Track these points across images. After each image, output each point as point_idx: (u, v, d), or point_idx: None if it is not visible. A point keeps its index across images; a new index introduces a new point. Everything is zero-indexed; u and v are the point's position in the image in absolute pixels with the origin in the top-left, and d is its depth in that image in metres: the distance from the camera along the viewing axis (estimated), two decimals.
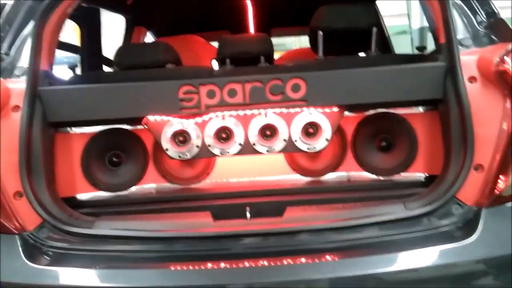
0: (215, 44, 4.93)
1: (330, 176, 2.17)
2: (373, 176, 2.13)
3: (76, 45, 3.53)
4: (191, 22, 4.26)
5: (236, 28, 4.53)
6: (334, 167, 2.17)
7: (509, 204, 1.67)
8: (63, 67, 2.52)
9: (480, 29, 1.90)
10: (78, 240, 1.71)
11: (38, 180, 1.79)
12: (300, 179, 2.19)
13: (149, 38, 4.38)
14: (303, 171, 2.19)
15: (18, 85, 1.85)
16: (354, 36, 2.37)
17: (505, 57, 1.68)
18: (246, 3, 3.99)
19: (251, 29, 4.60)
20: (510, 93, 1.68)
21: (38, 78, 1.88)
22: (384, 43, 3.42)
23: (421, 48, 2.46)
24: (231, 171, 2.20)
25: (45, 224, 1.73)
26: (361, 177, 2.15)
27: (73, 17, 2.39)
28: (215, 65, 4.05)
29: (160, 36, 4.46)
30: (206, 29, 4.57)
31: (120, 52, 2.56)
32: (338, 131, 2.12)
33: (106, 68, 4.02)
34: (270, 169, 2.19)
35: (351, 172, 2.17)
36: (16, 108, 1.80)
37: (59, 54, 2.33)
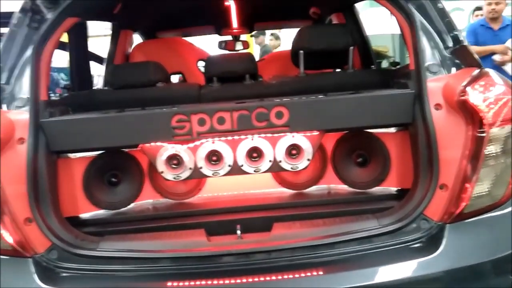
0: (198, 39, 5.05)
1: (312, 190, 2.37)
2: (351, 189, 2.33)
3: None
4: (176, 20, 4.37)
5: (220, 23, 4.65)
6: (316, 180, 2.37)
7: (469, 220, 1.88)
8: None
9: (447, 54, 2.07)
10: (86, 261, 1.89)
11: (45, 205, 1.94)
12: (285, 192, 2.38)
13: (135, 39, 4.48)
14: (288, 185, 2.38)
15: (21, 116, 1.98)
16: (333, 54, 2.54)
17: (467, 88, 1.87)
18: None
19: (235, 24, 4.72)
20: (471, 121, 1.88)
21: (39, 110, 2.02)
22: (367, 56, 3.58)
23: (395, 63, 2.64)
24: (221, 186, 2.38)
25: (54, 246, 1.90)
26: (340, 190, 2.35)
27: None
28: (200, 65, 4.20)
29: (148, 37, 4.56)
30: (191, 25, 4.68)
31: (112, 71, 2.70)
32: (319, 147, 2.31)
33: (94, 64, 4.14)
34: (257, 184, 2.38)
35: (332, 184, 2.37)
36: (21, 140, 1.94)
37: None
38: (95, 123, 2.06)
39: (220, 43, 5.39)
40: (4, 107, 2.05)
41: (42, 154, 1.98)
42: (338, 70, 2.74)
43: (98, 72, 5.12)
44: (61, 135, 2.03)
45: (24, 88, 2.06)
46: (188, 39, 4.80)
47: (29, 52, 2.09)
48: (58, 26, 2.14)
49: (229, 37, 4.95)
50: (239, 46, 5.22)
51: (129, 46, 4.23)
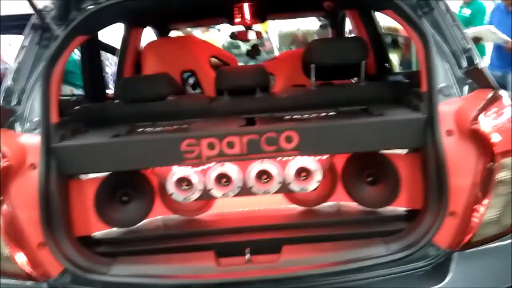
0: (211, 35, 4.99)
1: (321, 208, 2.37)
2: (361, 208, 2.32)
3: None
4: (188, 12, 4.33)
5: (233, 14, 4.60)
6: (325, 198, 2.37)
7: (477, 249, 1.87)
8: None
9: (461, 75, 2.02)
10: (98, 285, 1.93)
11: (57, 229, 1.97)
12: (294, 209, 2.39)
13: (147, 34, 4.45)
14: (297, 202, 2.39)
15: (32, 140, 1.99)
16: (345, 66, 2.52)
17: (479, 117, 1.83)
18: None
19: (247, 15, 4.67)
20: (482, 149, 1.85)
21: (50, 134, 2.03)
22: (382, 57, 3.52)
23: (410, 76, 2.60)
24: (231, 203, 2.40)
25: (67, 270, 1.93)
26: (350, 208, 2.34)
27: None
28: (213, 61, 4.18)
29: (160, 31, 4.53)
30: (203, 17, 4.64)
31: (123, 85, 2.70)
32: (329, 166, 2.30)
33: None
34: (267, 201, 2.39)
35: (341, 202, 2.37)
36: (33, 166, 1.96)
37: None
38: (106, 147, 2.08)
39: (233, 33, 5.35)
40: (16, 128, 2.07)
41: (54, 178, 2.00)
42: (353, 80, 2.71)
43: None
44: (73, 159, 2.05)
45: (35, 110, 2.06)
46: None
47: (39, 71, 2.09)
48: (68, 44, 2.14)
49: None
50: (251, 36, 5.17)
51: (140, 42, 4.21)
